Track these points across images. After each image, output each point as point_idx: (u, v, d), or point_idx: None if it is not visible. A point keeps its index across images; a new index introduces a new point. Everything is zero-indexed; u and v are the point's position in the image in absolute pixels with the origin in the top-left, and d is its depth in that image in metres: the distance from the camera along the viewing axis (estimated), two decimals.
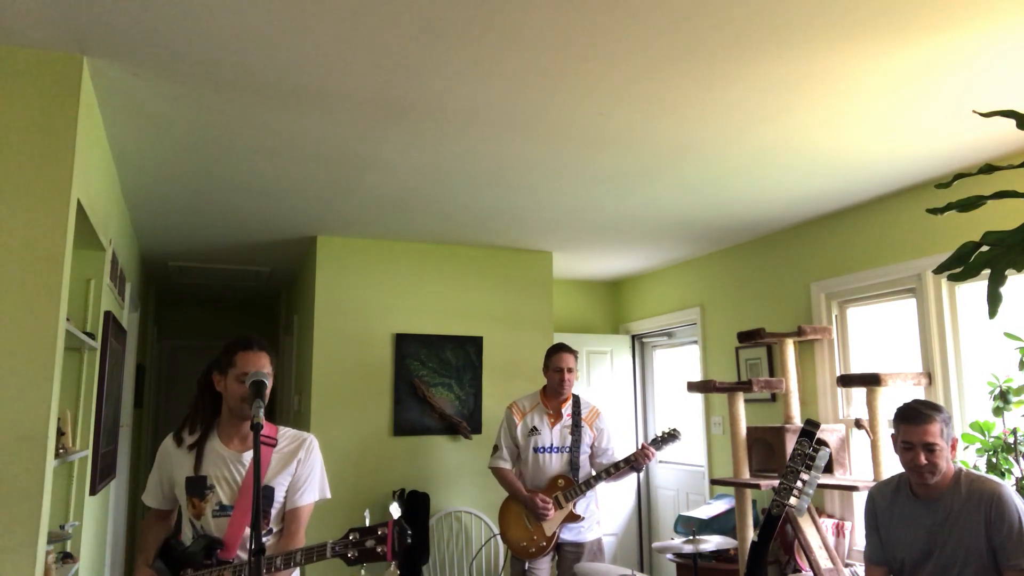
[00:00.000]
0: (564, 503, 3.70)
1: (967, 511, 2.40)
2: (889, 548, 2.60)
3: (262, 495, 2.23)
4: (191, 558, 2.23)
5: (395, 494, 4.55)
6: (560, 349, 3.88)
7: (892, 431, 2.57)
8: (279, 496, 2.31)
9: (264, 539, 2.24)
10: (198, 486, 2.26)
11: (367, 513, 2.13)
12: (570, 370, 3.83)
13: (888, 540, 2.60)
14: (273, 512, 2.29)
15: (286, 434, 2.38)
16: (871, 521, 2.68)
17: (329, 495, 2.40)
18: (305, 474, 2.34)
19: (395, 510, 2.07)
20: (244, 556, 2.23)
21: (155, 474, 2.39)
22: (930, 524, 2.47)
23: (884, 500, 2.64)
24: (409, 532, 1.98)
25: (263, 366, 2.25)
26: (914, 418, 2.46)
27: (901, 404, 2.55)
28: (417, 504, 4.58)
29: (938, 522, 2.45)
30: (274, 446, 2.33)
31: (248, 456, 2.28)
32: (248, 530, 2.21)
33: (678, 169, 3.44)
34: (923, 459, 2.43)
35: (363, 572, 2.02)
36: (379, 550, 1.96)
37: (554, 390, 3.86)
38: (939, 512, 2.45)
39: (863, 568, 2.79)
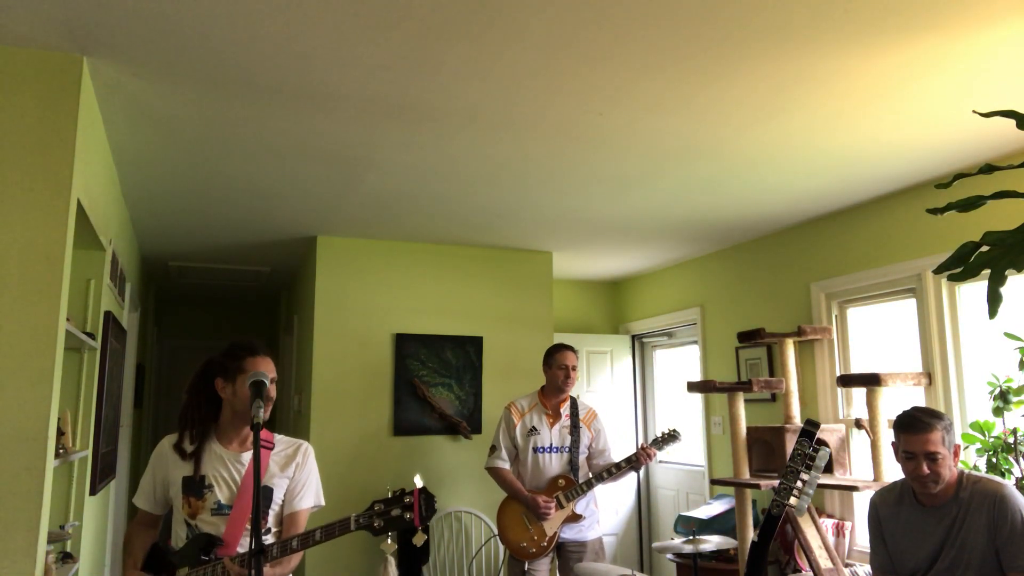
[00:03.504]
0: (565, 503, 3.70)
1: (971, 513, 2.36)
2: (898, 558, 2.52)
3: (261, 495, 2.24)
4: (185, 557, 2.22)
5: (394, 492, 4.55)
6: (564, 347, 3.93)
7: (893, 439, 2.50)
8: (277, 497, 2.32)
9: (264, 538, 2.24)
10: (196, 486, 2.26)
11: (389, 488, 2.18)
12: (574, 368, 3.86)
13: (896, 550, 2.53)
14: (271, 512, 2.31)
15: (282, 440, 2.41)
16: (876, 531, 2.61)
17: (323, 503, 2.42)
18: (303, 479, 2.36)
19: (418, 480, 2.13)
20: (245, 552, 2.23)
21: (148, 476, 2.37)
22: (938, 532, 2.41)
23: (888, 509, 2.57)
24: (435, 498, 2.04)
25: (271, 370, 2.28)
26: (915, 427, 2.39)
27: (901, 412, 2.48)
28: None
29: (946, 529, 2.40)
30: (271, 449, 2.36)
31: (247, 457, 2.30)
32: (247, 529, 2.22)
33: (678, 169, 3.44)
34: (925, 469, 2.36)
35: (389, 540, 2.09)
36: (407, 516, 2.02)
37: (557, 388, 3.86)
38: (946, 519, 2.40)
39: (863, 569, 2.78)
